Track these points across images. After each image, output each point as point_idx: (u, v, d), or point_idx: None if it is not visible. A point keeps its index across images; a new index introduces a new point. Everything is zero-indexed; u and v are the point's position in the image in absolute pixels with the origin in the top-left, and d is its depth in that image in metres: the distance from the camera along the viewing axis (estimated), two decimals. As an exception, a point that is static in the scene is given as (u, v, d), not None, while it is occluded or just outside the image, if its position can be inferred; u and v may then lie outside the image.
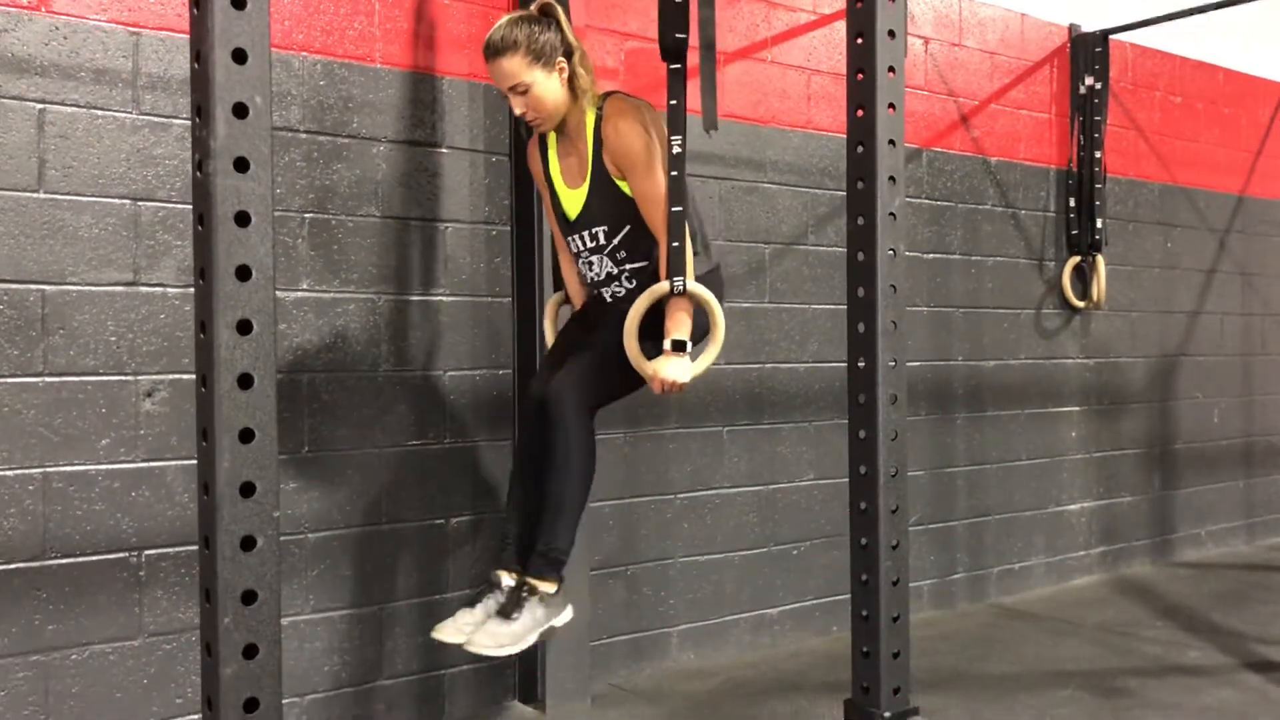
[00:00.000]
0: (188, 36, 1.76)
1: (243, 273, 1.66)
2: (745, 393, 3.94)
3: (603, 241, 2.77)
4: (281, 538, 2.96)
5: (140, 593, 2.81)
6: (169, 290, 2.85)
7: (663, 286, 2.63)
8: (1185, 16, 4.85)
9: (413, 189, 3.23)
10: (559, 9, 2.73)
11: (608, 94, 2.76)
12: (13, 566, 2.66)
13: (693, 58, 2.62)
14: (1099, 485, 5.17)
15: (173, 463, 2.85)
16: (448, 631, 2.62)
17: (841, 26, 4.09)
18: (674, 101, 2.59)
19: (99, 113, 2.76)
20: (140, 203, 2.81)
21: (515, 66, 2.65)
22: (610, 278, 2.81)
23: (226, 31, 1.64)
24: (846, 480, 2.62)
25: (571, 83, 2.72)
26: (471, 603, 2.69)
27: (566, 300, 3.07)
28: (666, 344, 2.63)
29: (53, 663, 2.70)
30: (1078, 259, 4.98)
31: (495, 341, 3.37)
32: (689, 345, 2.65)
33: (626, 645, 3.67)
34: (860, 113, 2.53)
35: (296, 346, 3.04)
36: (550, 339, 3.07)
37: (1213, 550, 5.69)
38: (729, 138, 3.87)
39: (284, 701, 2.94)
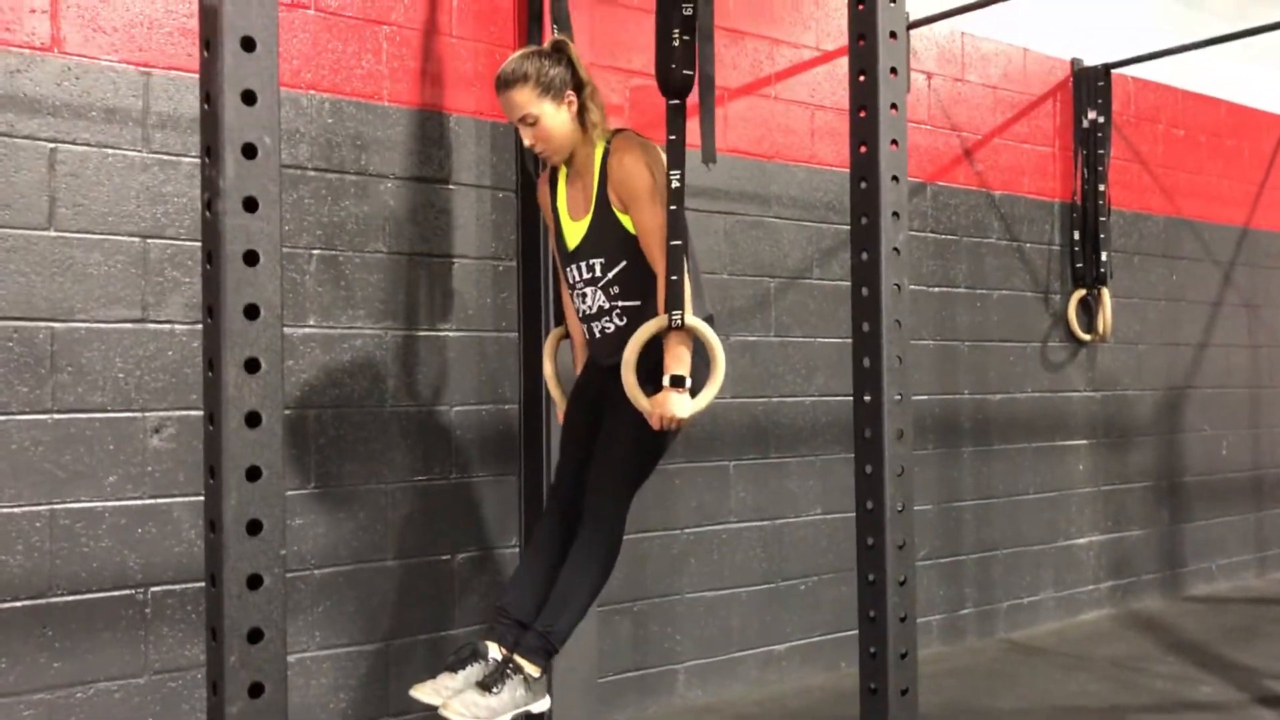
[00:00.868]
0: (197, 76, 1.78)
1: (251, 311, 1.67)
2: (751, 427, 3.94)
3: (598, 274, 2.78)
4: (288, 574, 2.96)
5: (146, 630, 2.81)
6: (177, 327, 2.86)
7: (661, 320, 2.63)
8: (1187, 50, 4.89)
9: (420, 225, 3.25)
10: (571, 46, 2.78)
11: (618, 130, 2.80)
12: (19, 604, 2.65)
13: (693, 93, 2.65)
14: (1107, 519, 5.14)
15: (180, 499, 2.85)
16: (425, 692, 2.61)
17: (844, 63, 4.12)
18: (673, 136, 2.62)
19: (109, 151, 2.79)
20: (149, 240, 2.83)
21: (524, 98, 2.70)
22: (602, 312, 2.81)
23: (236, 73, 1.66)
24: (854, 515, 2.61)
25: (581, 116, 2.76)
26: (453, 667, 2.67)
27: (566, 335, 3.08)
28: (665, 379, 2.63)
29: (58, 700, 2.69)
30: (1083, 292, 4.99)
31: (501, 377, 3.38)
32: (688, 380, 2.65)
33: (633, 682, 3.65)
34: (863, 149, 2.55)
35: (304, 382, 3.05)
36: (549, 374, 3.07)
37: (1223, 584, 5.65)
38: (734, 172, 3.89)
39: (289, 739, 2.93)
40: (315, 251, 3.07)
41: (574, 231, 2.83)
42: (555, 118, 2.72)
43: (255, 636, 1.67)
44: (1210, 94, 5.69)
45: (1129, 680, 3.99)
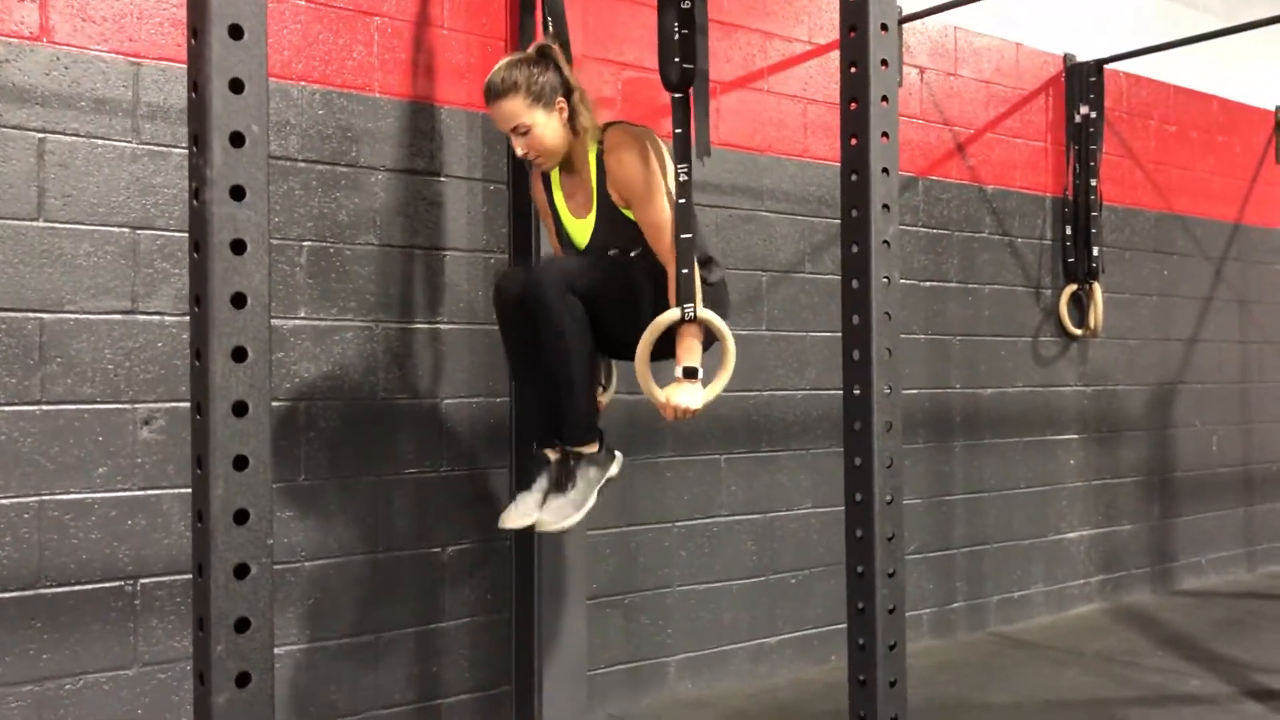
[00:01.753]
0: (186, 66, 1.77)
1: (238, 300, 1.67)
2: (743, 420, 3.94)
3: None
4: (277, 566, 2.96)
5: (135, 622, 2.80)
6: (167, 318, 2.86)
7: (673, 313, 2.64)
8: (1179, 46, 4.89)
9: (411, 217, 3.25)
10: (557, 50, 2.77)
11: (608, 125, 2.79)
12: (8, 595, 2.65)
13: (686, 87, 2.65)
14: (1098, 513, 5.16)
15: (169, 491, 2.85)
16: (512, 518, 2.76)
17: (837, 56, 4.12)
18: (679, 130, 2.63)
19: (99, 142, 2.78)
20: (139, 231, 2.83)
21: (516, 108, 2.69)
22: None
23: (223, 61, 1.65)
24: (844, 508, 2.62)
25: (572, 121, 2.76)
26: (526, 484, 2.82)
27: None
28: (677, 371, 2.66)
29: (47, 692, 2.69)
30: (1074, 287, 5.00)
31: (493, 369, 3.38)
32: (700, 372, 2.67)
33: (624, 675, 3.65)
34: (854, 142, 2.54)
35: (294, 374, 3.04)
36: None
37: (1213, 578, 5.67)
38: (726, 166, 3.89)
39: (279, 731, 2.93)
40: (306, 243, 3.06)
41: (580, 230, 2.83)
42: (547, 126, 2.72)
43: (242, 626, 1.66)
44: (1202, 90, 5.70)
45: (1119, 674, 4.00)
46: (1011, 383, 4.81)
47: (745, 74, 3.98)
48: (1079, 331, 5.02)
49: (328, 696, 3.08)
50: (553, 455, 2.83)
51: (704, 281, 2.75)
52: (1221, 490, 5.73)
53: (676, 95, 2.64)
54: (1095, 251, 4.98)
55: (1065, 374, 5.03)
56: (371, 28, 3.17)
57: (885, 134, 2.52)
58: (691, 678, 3.81)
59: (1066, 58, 5.06)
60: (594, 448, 2.79)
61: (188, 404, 2.84)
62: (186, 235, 2.84)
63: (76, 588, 2.73)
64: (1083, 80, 5.01)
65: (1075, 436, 5.06)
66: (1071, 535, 5.04)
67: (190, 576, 2.67)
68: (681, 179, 2.61)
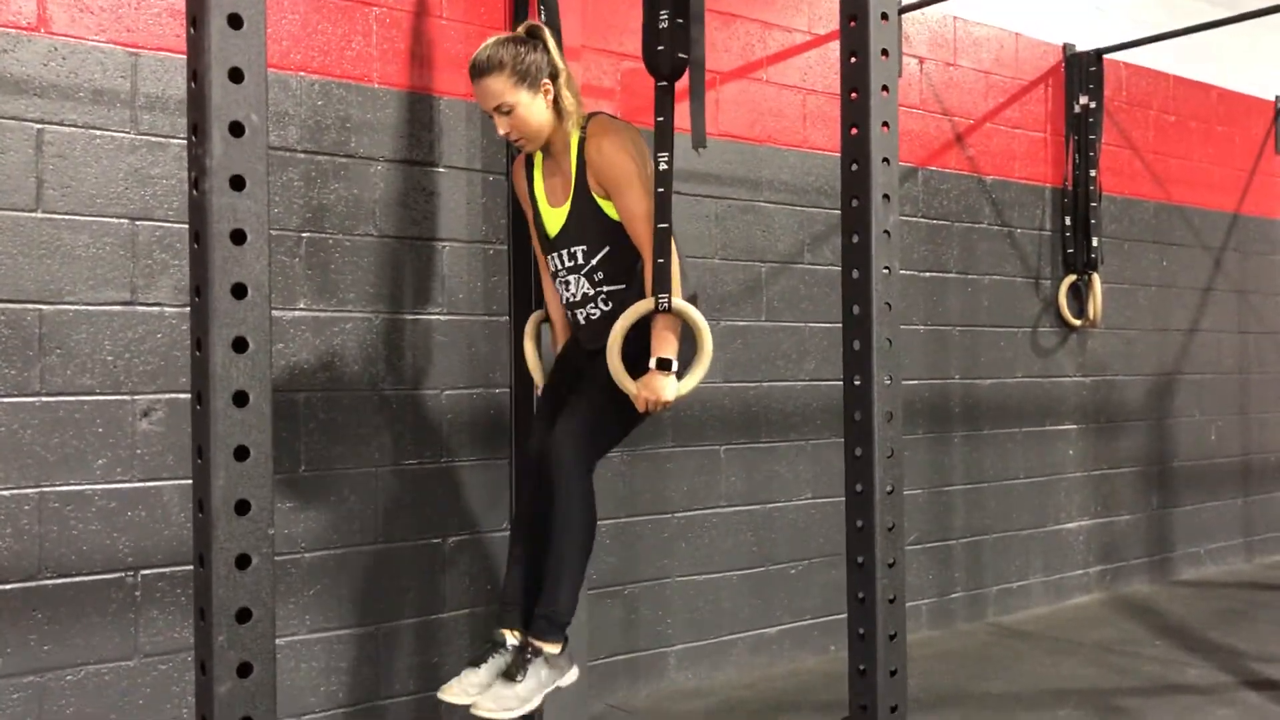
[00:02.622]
0: (185, 57, 1.77)
1: (239, 290, 1.67)
2: (742, 411, 3.94)
3: (580, 261, 2.77)
4: (278, 557, 2.96)
5: (136, 613, 2.80)
6: (166, 310, 2.85)
7: (647, 303, 2.63)
8: (1179, 36, 4.89)
9: (410, 208, 3.24)
10: (546, 31, 2.75)
11: (592, 114, 2.77)
12: (8, 586, 2.65)
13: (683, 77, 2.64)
14: (1097, 503, 5.16)
15: (169, 482, 2.85)
16: (453, 692, 2.63)
17: (836, 47, 4.12)
18: (661, 118, 2.61)
19: (97, 133, 2.77)
20: (138, 222, 2.82)
21: (500, 87, 2.66)
22: (586, 299, 2.80)
23: (223, 50, 1.65)
24: (843, 499, 2.62)
25: (556, 104, 2.73)
26: (476, 662, 2.69)
27: (546, 319, 3.08)
28: (652, 362, 2.63)
29: (48, 683, 2.69)
30: (1074, 277, 5.00)
31: (492, 360, 3.38)
32: (674, 363, 2.65)
33: (624, 665, 3.66)
34: (854, 131, 2.54)
35: (293, 365, 3.04)
36: (530, 356, 3.07)
37: (1211, 568, 5.68)
38: (725, 157, 3.89)
39: (279, 721, 2.94)
40: (305, 234, 3.06)
41: (554, 219, 2.81)
42: (531, 107, 2.69)
43: (244, 616, 1.67)
44: (1202, 80, 5.69)
45: (1117, 664, 4.01)
46: (1011, 373, 4.82)
47: (744, 64, 3.98)
48: (1078, 322, 5.02)
49: (329, 687, 3.09)
50: (512, 639, 2.71)
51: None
52: (1220, 480, 5.74)
53: (661, 84, 2.63)
54: (1094, 242, 4.98)
55: (1064, 364, 5.03)
56: (370, 18, 3.16)
57: (886, 124, 2.51)
58: (691, 668, 3.81)
59: (1066, 48, 5.05)
60: (556, 648, 2.68)
61: (187, 395, 2.84)
62: (185, 226, 2.84)
63: (77, 579, 2.73)
64: (1082, 70, 5.00)
65: (1074, 427, 5.07)
66: (1070, 525, 5.05)
67: (191, 567, 2.67)
68: (661, 168, 2.59)
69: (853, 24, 2.53)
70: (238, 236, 1.67)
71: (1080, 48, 5.05)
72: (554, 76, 2.72)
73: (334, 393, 3.11)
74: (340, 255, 3.12)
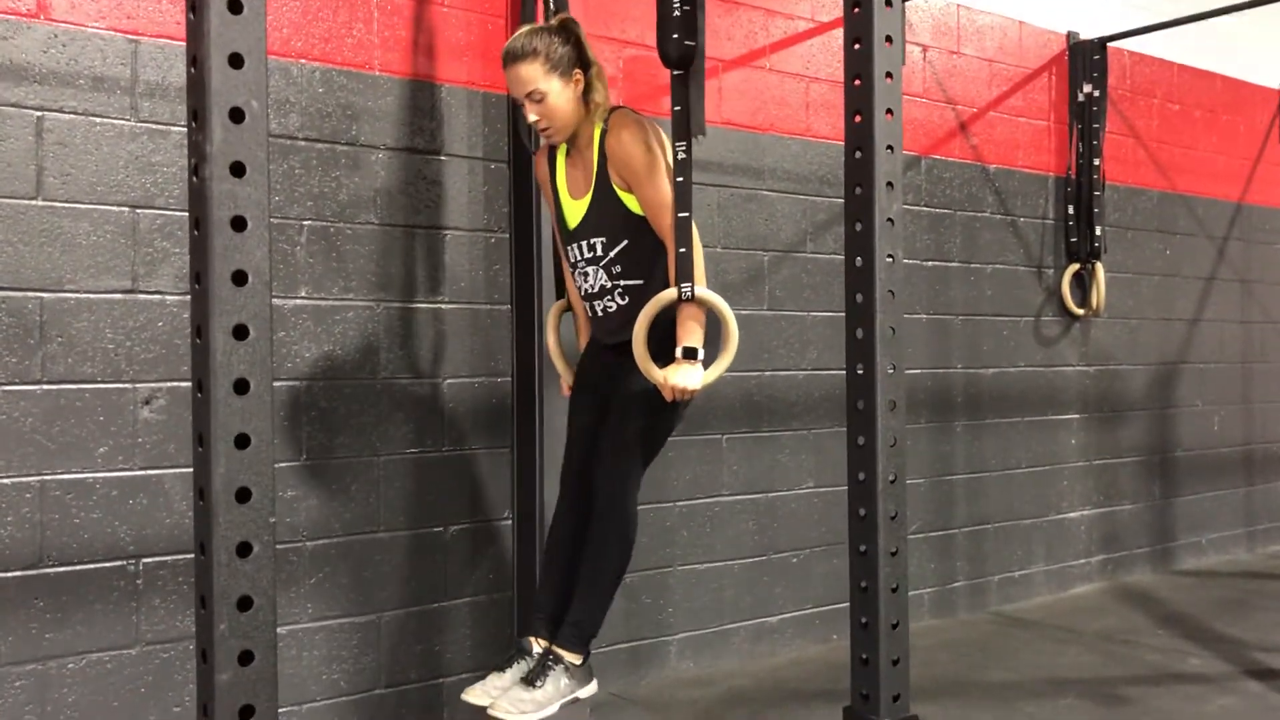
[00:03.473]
0: (185, 43, 1.76)
1: (239, 277, 1.66)
2: (744, 400, 3.94)
3: (600, 253, 2.78)
4: (280, 545, 2.96)
5: (138, 601, 2.80)
6: (167, 297, 2.85)
7: (671, 293, 2.63)
8: (1183, 24, 4.86)
9: (412, 196, 3.23)
10: (578, 26, 2.77)
11: (614, 109, 2.79)
12: (10, 575, 2.65)
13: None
14: (1099, 493, 5.16)
15: (170, 470, 2.84)
16: (476, 695, 2.69)
17: (839, 35, 4.10)
18: (678, 107, 2.61)
19: (97, 120, 2.76)
20: (138, 210, 2.81)
21: (533, 73, 2.68)
22: (604, 291, 2.81)
23: (222, 36, 1.64)
24: (846, 488, 2.61)
25: (586, 96, 2.76)
26: (501, 667, 2.75)
27: (569, 308, 3.09)
28: (677, 351, 2.64)
29: (50, 671, 2.69)
30: (1077, 266, 4.98)
31: (494, 349, 3.37)
32: (700, 352, 2.66)
33: (625, 654, 3.66)
34: (858, 118, 2.53)
35: (295, 354, 3.03)
36: (553, 347, 3.08)
37: (1213, 558, 5.67)
38: (727, 145, 3.87)
39: (283, 710, 2.94)
40: (306, 222, 3.05)
41: (574, 211, 2.82)
42: (562, 95, 2.71)
43: (245, 604, 1.66)
44: (1206, 68, 5.67)
45: (1119, 653, 4.01)
46: (1013, 362, 4.81)
47: (747, 52, 3.96)
48: (1081, 311, 5.00)
49: (330, 675, 3.09)
50: (537, 646, 2.79)
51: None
52: (1222, 470, 5.73)
53: (676, 73, 2.63)
54: (1098, 231, 4.97)
55: (1067, 354, 5.02)
56: (371, 5, 3.15)
57: (889, 110, 2.51)
58: (693, 657, 3.81)
59: (1070, 36, 5.03)
60: (579, 659, 2.75)
61: (188, 383, 2.83)
62: (186, 214, 2.82)
63: (78, 567, 2.73)
64: (1086, 58, 4.98)
65: (1077, 416, 5.06)
66: (1072, 515, 5.04)
67: (192, 556, 2.67)
68: (680, 157, 2.60)
69: (856, 10, 2.52)
70: (238, 223, 1.66)
71: (1084, 36, 5.02)
72: (585, 69, 2.75)
73: (335, 381, 3.10)
74: (341, 243, 3.11)
